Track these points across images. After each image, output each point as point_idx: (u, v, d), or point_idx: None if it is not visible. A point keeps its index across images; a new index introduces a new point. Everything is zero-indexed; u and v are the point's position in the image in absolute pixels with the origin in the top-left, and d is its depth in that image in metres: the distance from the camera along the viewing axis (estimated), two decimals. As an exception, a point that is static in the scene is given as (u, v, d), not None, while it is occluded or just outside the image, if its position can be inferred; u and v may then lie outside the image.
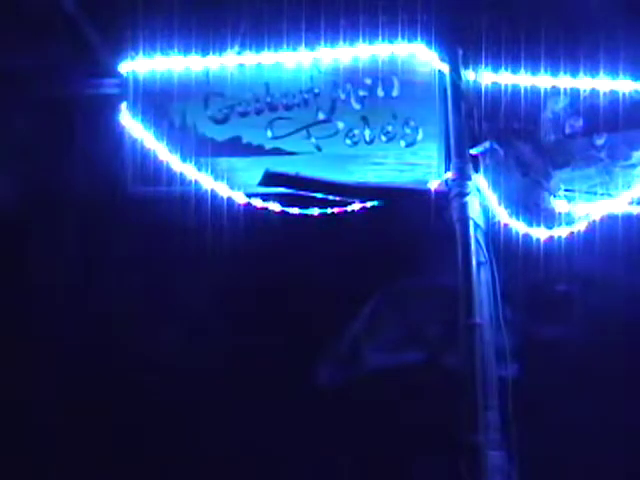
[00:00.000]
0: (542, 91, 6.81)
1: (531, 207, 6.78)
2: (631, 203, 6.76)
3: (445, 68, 6.76)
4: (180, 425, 7.31)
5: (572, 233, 6.73)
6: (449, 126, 6.66)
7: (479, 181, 6.58)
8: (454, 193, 6.44)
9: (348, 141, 6.88)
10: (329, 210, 6.93)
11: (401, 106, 6.87)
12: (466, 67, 6.76)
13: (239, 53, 6.95)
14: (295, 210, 6.88)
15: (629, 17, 6.89)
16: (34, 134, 7.22)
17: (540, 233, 6.72)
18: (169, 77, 6.96)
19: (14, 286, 7.38)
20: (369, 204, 6.89)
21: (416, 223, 6.90)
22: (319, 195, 6.80)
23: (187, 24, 6.96)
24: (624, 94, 6.78)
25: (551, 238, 6.73)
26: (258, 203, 6.87)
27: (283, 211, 6.86)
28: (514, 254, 6.71)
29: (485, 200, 6.64)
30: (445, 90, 6.75)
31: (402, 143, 6.85)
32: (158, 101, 6.96)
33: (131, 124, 6.93)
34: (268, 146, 6.92)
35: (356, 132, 6.88)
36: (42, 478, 7.26)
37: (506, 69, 6.82)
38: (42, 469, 7.23)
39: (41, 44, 7.07)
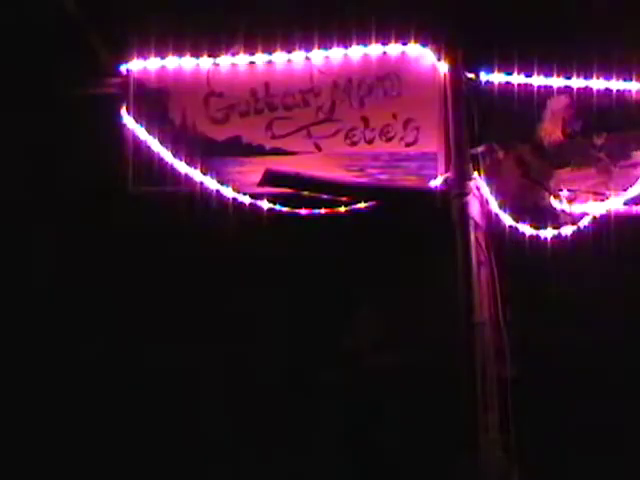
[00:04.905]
0: (542, 91, 6.80)
1: (531, 207, 6.78)
2: (631, 203, 6.76)
3: (445, 68, 6.76)
4: (180, 423, 7.31)
5: (572, 233, 6.73)
6: (449, 126, 6.65)
7: (479, 181, 6.59)
8: (454, 193, 6.44)
9: (348, 141, 6.88)
10: (329, 210, 6.93)
11: (401, 106, 6.87)
12: (466, 67, 6.76)
13: (239, 53, 6.94)
14: (295, 210, 6.88)
15: (629, 17, 6.90)
16: (35, 134, 7.22)
17: (540, 233, 6.71)
18: (169, 77, 6.95)
19: (14, 286, 7.37)
20: (369, 204, 6.89)
21: (416, 223, 6.90)
22: (319, 195, 6.79)
23: (187, 24, 6.96)
24: (624, 94, 6.78)
25: (551, 238, 6.72)
26: (258, 203, 6.86)
27: (283, 211, 6.86)
28: (514, 254, 6.71)
29: (485, 200, 6.64)
30: (445, 90, 6.74)
31: (402, 143, 6.85)
32: (158, 101, 6.96)
33: (131, 124, 6.93)
34: (268, 146, 6.92)
35: (356, 132, 6.88)
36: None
37: (507, 69, 6.81)
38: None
39: (42, 44, 7.07)
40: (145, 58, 6.95)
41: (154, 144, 6.89)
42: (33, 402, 7.33)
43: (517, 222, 6.68)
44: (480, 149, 6.71)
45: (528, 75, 6.81)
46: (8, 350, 7.32)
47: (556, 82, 6.81)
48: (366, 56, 6.89)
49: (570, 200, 6.78)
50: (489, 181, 6.70)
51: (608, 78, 6.78)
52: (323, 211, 6.92)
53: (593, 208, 6.74)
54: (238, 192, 6.86)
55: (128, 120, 6.93)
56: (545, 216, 6.75)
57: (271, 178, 6.63)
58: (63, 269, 7.38)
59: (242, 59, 6.95)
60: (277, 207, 6.87)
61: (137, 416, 7.28)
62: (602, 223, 6.74)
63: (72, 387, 7.31)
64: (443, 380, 6.60)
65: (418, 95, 6.87)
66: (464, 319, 6.24)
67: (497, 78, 6.83)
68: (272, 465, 7.17)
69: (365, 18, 6.87)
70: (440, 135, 6.79)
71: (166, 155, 6.87)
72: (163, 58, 6.95)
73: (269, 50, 6.93)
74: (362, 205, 6.89)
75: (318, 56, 6.91)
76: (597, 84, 6.79)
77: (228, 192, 6.84)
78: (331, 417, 7.24)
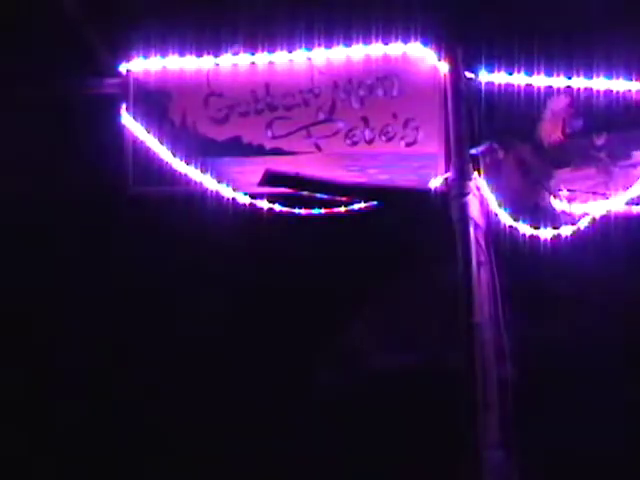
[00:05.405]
0: (542, 91, 6.81)
1: (531, 207, 6.78)
2: (631, 203, 6.76)
3: (445, 68, 6.76)
4: (181, 424, 7.32)
5: (572, 233, 6.72)
6: (449, 126, 6.65)
7: (479, 181, 6.58)
8: (454, 193, 6.44)
9: (348, 141, 6.88)
10: (329, 210, 6.93)
11: (401, 106, 6.87)
12: (466, 67, 6.76)
13: (239, 53, 6.95)
14: (295, 210, 6.88)
15: (629, 17, 6.90)
16: (34, 134, 7.22)
17: (540, 233, 6.71)
18: (169, 77, 6.96)
19: (14, 286, 7.38)
20: (369, 204, 6.89)
21: (416, 223, 6.90)
22: (319, 195, 6.80)
23: (187, 24, 6.96)
24: (624, 94, 6.78)
25: (551, 238, 6.72)
26: (258, 203, 6.87)
27: (283, 211, 6.87)
28: (514, 254, 6.71)
29: (485, 200, 6.64)
30: (445, 90, 6.74)
31: (402, 143, 6.85)
32: (158, 101, 6.97)
33: (131, 124, 6.93)
34: (268, 146, 6.92)
35: (356, 132, 6.88)
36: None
37: (507, 69, 6.81)
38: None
39: (42, 44, 7.07)
40: (145, 58, 6.96)
41: (154, 144, 6.90)
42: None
43: (517, 222, 6.68)
44: (480, 149, 6.70)
45: (529, 74, 6.80)
46: (7, 352, 7.34)
47: (557, 82, 6.81)
48: (366, 56, 6.89)
49: (570, 200, 6.78)
50: (489, 181, 6.69)
51: (609, 78, 6.77)
52: (323, 211, 6.93)
53: (593, 208, 6.74)
54: (239, 192, 6.86)
55: (128, 120, 6.94)
56: (545, 216, 6.74)
57: (271, 178, 6.64)
58: (63, 269, 7.38)
59: (243, 59, 6.95)
60: (277, 207, 6.87)
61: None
62: (602, 223, 6.74)
63: (69, 388, 7.33)
64: (443, 380, 6.60)
65: (418, 95, 6.88)
66: (464, 319, 6.23)
67: (497, 78, 6.83)
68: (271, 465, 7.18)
69: (365, 18, 6.87)
70: (440, 135, 6.80)
71: (166, 155, 6.88)
72: (163, 58, 6.96)
73: (269, 50, 6.93)
74: (362, 205, 6.90)
75: (319, 56, 6.91)
76: (598, 84, 6.78)
77: (228, 192, 6.85)
78: (331, 417, 7.24)
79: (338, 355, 7.47)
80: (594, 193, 6.77)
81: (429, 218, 6.71)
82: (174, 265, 7.35)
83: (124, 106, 6.95)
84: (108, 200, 7.19)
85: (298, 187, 6.75)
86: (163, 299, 7.40)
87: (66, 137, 7.21)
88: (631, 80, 6.77)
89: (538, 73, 6.78)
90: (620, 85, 6.77)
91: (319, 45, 6.87)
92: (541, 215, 6.75)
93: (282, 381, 7.32)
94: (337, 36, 6.87)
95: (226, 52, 6.96)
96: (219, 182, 6.86)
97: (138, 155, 6.91)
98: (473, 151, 6.65)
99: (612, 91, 6.78)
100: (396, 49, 6.86)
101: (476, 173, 6.63)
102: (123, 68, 6.98)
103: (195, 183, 6.86)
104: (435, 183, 6.75)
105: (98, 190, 7.22)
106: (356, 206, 6.90)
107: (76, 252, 7.36)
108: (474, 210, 6.46)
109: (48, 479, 7.28)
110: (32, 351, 7.38)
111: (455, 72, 6.69)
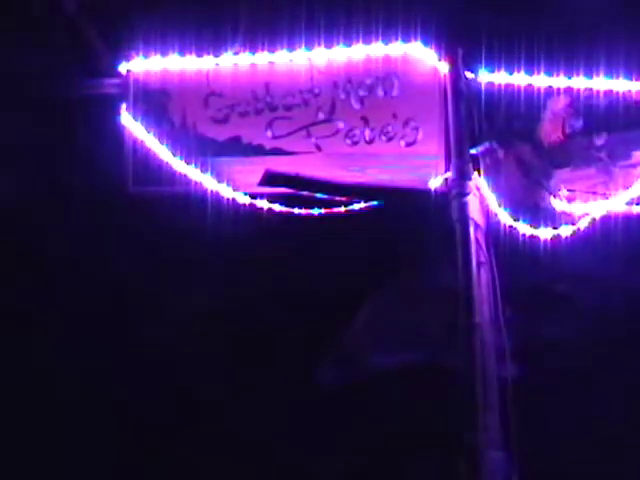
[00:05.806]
0: (542, 91, 6.80)
1: (531, 207, 6.78)
2: (631, 203, 6.76)
3: (445, 68, 6.76)
4: (181, 426, 7.32)
5: (572, 233, 6.72)
6: (449, 126, 6.65)
7: (479, 181, 6.58)
8: (454, 193, 6.43)
9: (348, 141, 6.88)
10: (329, 210, 6.93)
11: (401, 106, 6.87)
12: (466, 67, 6.76)
13: (239, 53, 6.95)
14: (295, 210, 6.88)
15: (629, 17, 6.90)
16: (34, 134, 7.22)
17: (540, 233, 6.71)
18: (169, 77, 6.95)
19: (16, 286, 7.38)
20: (369, 204, 6.89)
21: (416, 223, 6.90)
22: (319, 195, 6.80)
23: (187, 24, 6.96)
24: (624, 94, 6.78)
25: (551, 238, 6.72)
26: (258, 203, 6.87)
27: (283, 211, 6.87)
28: (514, 254, 6.71)
29: (485, 200, 6.64)
30: (445, 90, 6.74)
31: (402, 143, 6.85)
32: (158, 101, 6.96)
33: (131, 124, 6.93)
34: (268, 146, 6.92)
35: (356, 132, 6.88)
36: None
37: (507, 69, 6.81)
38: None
39: (41, 44, 7.07)
40: (145, 58, 6.95)
41: (154, 144, 6.89)
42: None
43: (517, 222, 6.68)
44: (480, 149, 6.70)
45: (529, 74, 6.80)
46: (7, 352, 7.34)
47: (557, 82, 6.80)
48: (367, 56, 6.89)
49: (570, 200, 6.78)
50: (489, 181, 6.69)
51: (609, 78, 6.77)
52: (323, 211, 6.93)
53: (593, 208, 6.74)
54: (239, 192, 6.86)
55: (128, 120, 6.93)
56: (545, 216, 6.74)
57: (271, 178, 6.64)
58: (63, 269, 7.38)
59: (243, 59, 6.95)
60: (277, 207, 6.87)
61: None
62: (602, 223, 6.74)
63: (69, 388, 7.33)
64: (443, 380, 6.60)
65: (418, 95, 6.87)
66: (464, 319, 6.22)
67: (497, 78, 6.83)
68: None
69: (365, 18, 6.87)
70: (440, 135, 6.79)
71: (166, 155, 6.88)
72: (163, 58, 6.95)
73: (269, 50, 6.92)
74: (362, 205, 6.90)
75: (319, 56, 6.91)
76: (598, 84, 6.78)
77: (228, 192, 6.85)
78: (330, 417, 7.24)
79: (338, 355, 7.47)
80: (594, 193, 6.77)
81: (429, 218, 6.71)
82: (174, 265, 7.36)
83: (124, 106, 6.95)
84: (108, 200, 7.20)
85: (298, 187, 6.75)
86: (163, 299, 7.40)
87: (66, 137, 7.21)
88: (631, 80, 6.77)
89: (538, 73, 6.78)
90: (620, 85, 6.77)
91: (319, 45, 6.87)
92: (541, 215, 6.75)
93: (282, 381, 7.32)
94: (337, 36, 6.86)
95: (226, 52, 6.95)
96: (219, 182, 6.86)
97: (138, 155, 6.90)
98: (473, 151, 6.65)
99: (612, 91, 6.78)
100: (396, 49, 6.86)
101: (476, 173, 6.62)
102: (123, 68, 6.98)
103: (195, 183, 6.86)
104: (435, 183, 6.75)
105: (98, 190, 7.23)
106: (356, 206, 6.90)
107: (76, 252, 7.35)
108: (474, 210, 6.46)
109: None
110: (32, 351, 7.38)
111: (455, 72, 6.69)
